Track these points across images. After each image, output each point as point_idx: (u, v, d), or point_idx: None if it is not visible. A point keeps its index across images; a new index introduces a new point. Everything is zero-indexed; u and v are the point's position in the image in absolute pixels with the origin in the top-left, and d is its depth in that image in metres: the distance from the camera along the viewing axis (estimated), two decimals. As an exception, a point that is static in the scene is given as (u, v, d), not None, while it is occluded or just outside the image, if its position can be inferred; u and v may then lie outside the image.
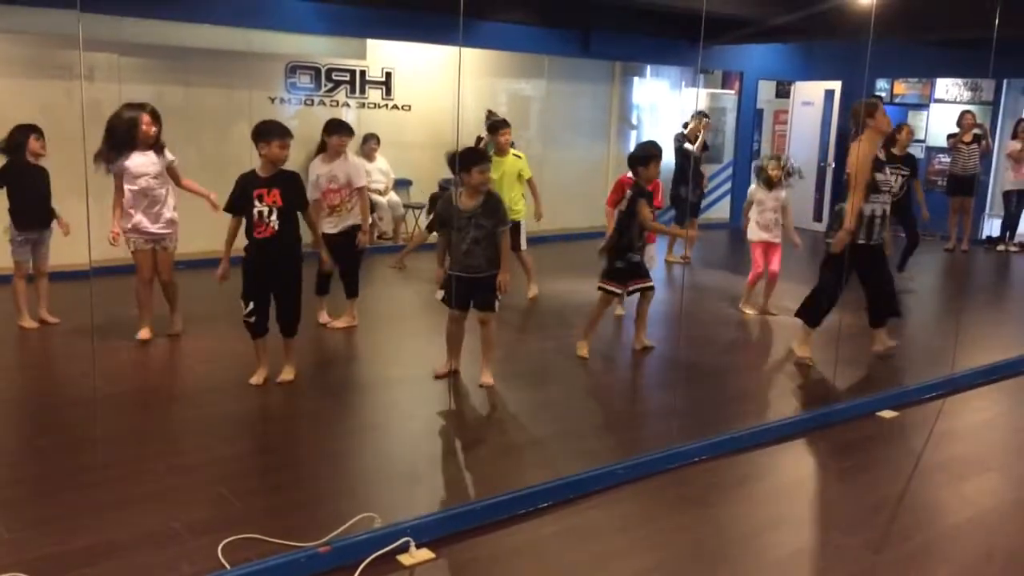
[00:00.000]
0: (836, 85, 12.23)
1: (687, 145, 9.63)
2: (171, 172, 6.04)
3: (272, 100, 9.47)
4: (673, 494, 4.03)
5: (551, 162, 11.17)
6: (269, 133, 5.02)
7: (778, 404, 5.41)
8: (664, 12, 9.46)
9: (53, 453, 4.24)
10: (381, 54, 10.03)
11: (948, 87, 12.36)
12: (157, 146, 5.94)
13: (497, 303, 5.28)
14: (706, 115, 10.28)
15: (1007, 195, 11.09)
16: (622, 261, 5.91)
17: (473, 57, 10.48)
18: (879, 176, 5.67)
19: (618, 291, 6.01)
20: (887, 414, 5.15)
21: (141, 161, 5.85)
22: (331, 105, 9.81)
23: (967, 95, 12.17)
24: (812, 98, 12.59)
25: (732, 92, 12.96)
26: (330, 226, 6.24)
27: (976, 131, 10.77)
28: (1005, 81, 11.77)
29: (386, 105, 10.26)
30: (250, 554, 3.27)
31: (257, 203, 5.00)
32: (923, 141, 12.27)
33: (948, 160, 11.31)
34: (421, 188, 10.47)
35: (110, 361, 5.56)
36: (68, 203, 6.32)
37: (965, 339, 6.46)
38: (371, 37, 9.63)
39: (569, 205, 11.13)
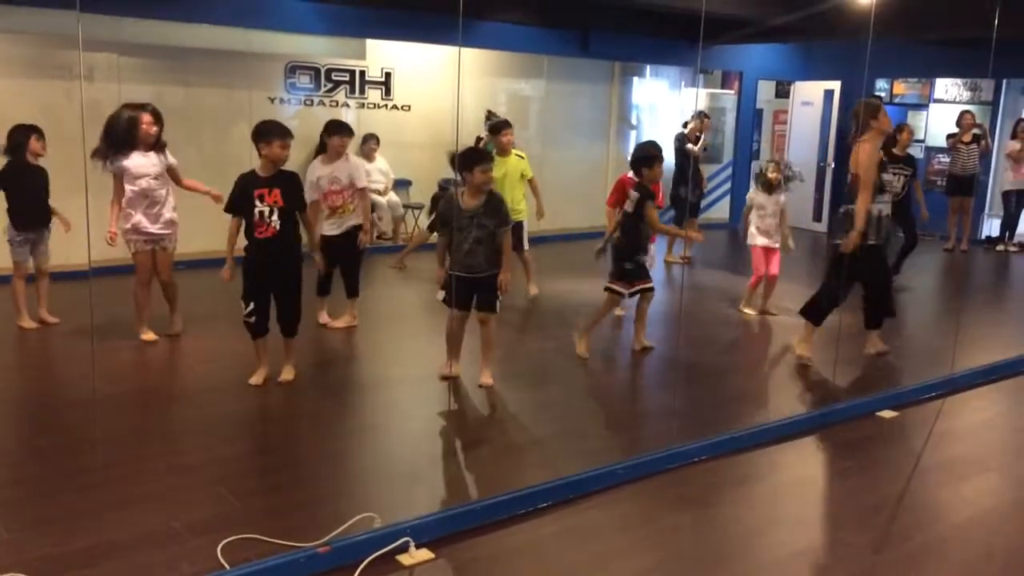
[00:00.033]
0: (836, 85, 12.23)
1: (689, 146, 9.63)
2: (171, 173, 6.03)
3: (272, 100, 9.46)
4: (673, 494, 4.03)
5: (550, 162, 11.17)
6: (270, 133, 5.02)
7: (778, 404, 5.41)
8: (663, 12, 9.46)
9: (53, 453, 4.24)
10: (381, 54, 10.03)
11: (947, 87, 12.36)
12: (158, 146, 5.93)
13: (498, 303, 5.29)
14: (707, 115, 10.28)
15: (1006, 195, 11.09)
16: (631, 263, 5.93)
17: (473, 57, 10.48)
18: (884, 176, 5.71)
19: (625, 292, 6.02)
20: (887, 414, 5.15)
21: (142, 162, 5.84)
22: (330, 105, 9.81)
23: (966, 95, 12.17)
24: (811, 98, 12.59)
25: (731, 92, 12.97)
26: (333, 227, 6.23)
27: (975, 131, 10.78)
28: (1004, 81, 11.77)
29: (385, 105, 10.26)
30: (250, 554, 3.27)
31: (258, 203, 5.00)
32: (922, 141, 12.26)
33: (947, 160, 11.32)
34: (420, 188, 10.47)
35: (110, 361, 5.56)
36: (68, 203, 6.32)
37: (964, 339, 6.46)
38: (371, 37, 9.63)
39: (568, 205, 11.12)
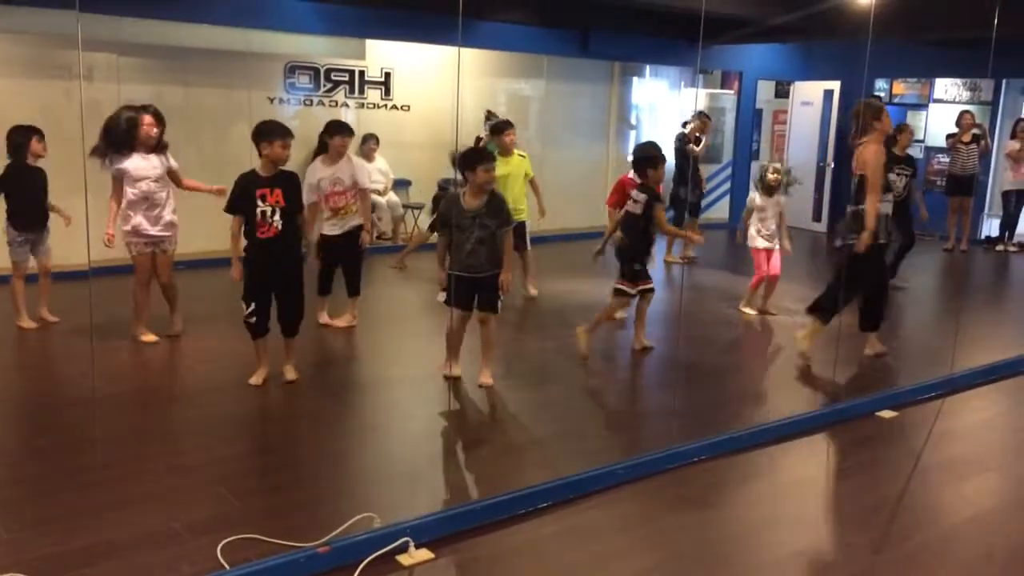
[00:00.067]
0: (835, 85, 12.23)
1: (690, 146, 9.63)
2: (172, 176, 6.01)
3: (271, 100, 9.46)
4: (673, 494, 4.03)
5: (550, 162, 11.16)
6: (271, 133, 5.02)
7: (777, 404, 5.40)
8: (663, 12, 9.46)
9: (52, 453, 4.24)
10: (380, 54, 10.03)
11: (947, 87, 12.36)
12: (160, 148, 5.91)
13: (499, 303, 5.29)
14: (707, 116, 10.28)
15: (1006, 195, 11.09)
16: (640, 264, 5.95)
17: (472, 57, 10.48)
18: (888, 176, 5.72)
19: (632, 292, 6.01)
20: (887, 414, 5.15)
21: (142, 165, 5.81)
22: (330, 105, 9.81)
23: (966, 95, 12.17)
24: (811, 98, 12.58)
25: (731, 92, 12.97)
26: (334, 227, 6.22)
27: (975, 131, 10.78)
28: (1004, 81, 11.77)
29: (385, 105, 10.26)
30: (250, 554, 3.27)
31: (260, 203, 5.00)
32: (922, 141, 12.26)
33: (947, 160, 11.32)
34: (420, 188, 10.47)
35: (109, 361, 5.56)
36: (68, 203, 6.31)
37: (964, 339, 6.47)
38: (370, 37, 9.63)
39: (568, 205, 11.12)
